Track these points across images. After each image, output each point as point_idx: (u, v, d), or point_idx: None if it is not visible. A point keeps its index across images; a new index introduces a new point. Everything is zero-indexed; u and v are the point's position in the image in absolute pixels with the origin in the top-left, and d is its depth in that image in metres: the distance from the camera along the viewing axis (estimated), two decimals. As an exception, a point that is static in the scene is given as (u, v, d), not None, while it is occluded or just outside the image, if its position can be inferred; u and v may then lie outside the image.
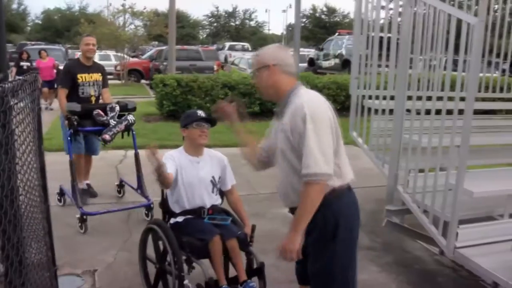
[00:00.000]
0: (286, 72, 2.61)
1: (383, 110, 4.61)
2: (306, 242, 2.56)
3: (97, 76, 5.72)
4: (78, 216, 4.92)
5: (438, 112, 3.79)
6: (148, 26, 24.54)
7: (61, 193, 5.69)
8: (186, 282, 3.17)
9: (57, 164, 5.20)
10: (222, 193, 3.69)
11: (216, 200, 3.60)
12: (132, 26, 24.09)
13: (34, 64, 13.58)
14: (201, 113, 3.48)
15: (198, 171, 3.47)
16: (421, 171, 4.02)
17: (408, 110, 4.25)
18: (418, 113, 4.09)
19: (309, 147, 2.36)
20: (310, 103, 2.46)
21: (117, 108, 5.27)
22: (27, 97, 2.45)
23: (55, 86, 10.75)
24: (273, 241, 3.86)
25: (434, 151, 3.88)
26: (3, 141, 1.87)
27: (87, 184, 6.00)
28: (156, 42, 40.23)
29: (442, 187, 3.72)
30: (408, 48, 4.17)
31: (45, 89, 12.68)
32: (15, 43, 38.62)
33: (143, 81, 22.55)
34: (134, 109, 5.54)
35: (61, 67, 12.62)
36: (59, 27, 62.10)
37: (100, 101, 5.77)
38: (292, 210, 2.60)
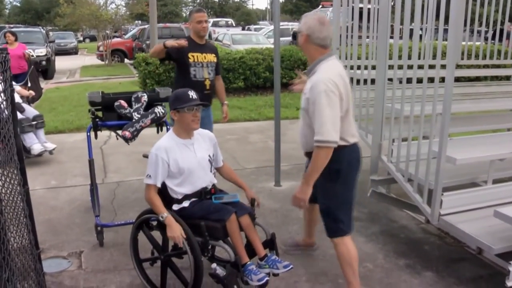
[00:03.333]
0: (317, 43, 3.04)
1: (365, 80, 4.58)
2: (316, 184, 3.07)
3: (211, 57, 4.85)
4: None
5: (419, 81, 3.77)
6: (129, 5, 24.15)
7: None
8: (214, 265, 3.10)
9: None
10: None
11: (213, 178, 3.46)
12: (113, 6, 23.73)
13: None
14: (192, 94, 3.24)
15: (195, 153, 3.31)
16: (404, 140, 4.02)
17: (390, 79, 4.22)
18: (400, 82, 4.07)
19: (322, 118, 2.88)
20: (327, 81, 2.90)
21: (144, 97, 4.39)
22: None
23: (28, 82, 8.19)
24: (259, 214, 3.88)
25: (416, 119, 3.87)
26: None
27: None
28: (139, 21, 39.73)
29: (425, 156, 3.73)
30: (388, 17, 4.12)
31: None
32: (-7, 26, 37.89)
33: (126, 60, 22.31)
34: (167, 99, 4.39)
35: (34, 56, 11.08)
36: (38, 9, 60.87)
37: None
38: (308, 154, 3.21)
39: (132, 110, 4.30)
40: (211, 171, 3.43)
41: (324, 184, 3.14)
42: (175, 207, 3.29)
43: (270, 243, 3.34)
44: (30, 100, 6.97)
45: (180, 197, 3.30)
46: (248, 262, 3.14)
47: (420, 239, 4.36)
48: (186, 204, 3.29)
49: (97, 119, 4.32)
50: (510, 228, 3.26)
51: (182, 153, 3.26)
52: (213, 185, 3.41)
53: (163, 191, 3.31)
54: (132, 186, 5.65)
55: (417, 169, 3.83)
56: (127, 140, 4.20)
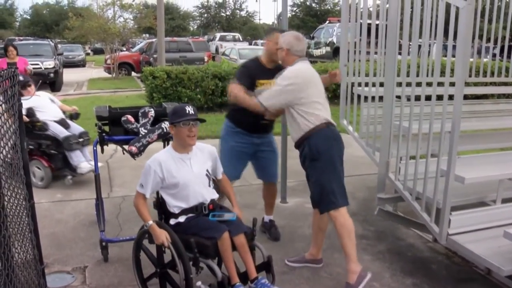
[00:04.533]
0: (295, 55, 3.78)
1: (373, 97, 4.56)
2: (306, 168, 3.73)
3: None
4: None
5: (428, 98, 3.75)
6: (137, 19, 24.34)
7: None
8: (199, 284, 3.07)
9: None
10: (217, 188, 3.58)
11: (213, 194, 3.46)
12: (121, 19, 23.89)
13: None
14: (190, 109, 3.25)
15: (191, 168, 3.34)
16: (412, 158, 3.98)
17: (398, 97, 4.20)
18: (408, 99, 4.05)
19: (272, 89, 3.67)
20: (292, 69, 3.69)
21: (151, 113, 4.37)
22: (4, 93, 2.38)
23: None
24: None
25: (424, 137, 3.84)
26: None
27: None
28: (147, 35, 40.03)
29: (433, 174, 3.69)
30: (396, 34, 4.11)
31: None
32: (3, 38, 38.32)
33: (134, 74, 22.42)
34: None
35: (42, 68, 10.30)
36: (48, 22, 61.53)
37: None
38: (296, 146, 3.78)
39: (139, 125, 4.29)
40: (209, 186, 3.44)
41: (313, 164, 3.64)
42: (172, 221, 3.33)
43: (266, 266, 3.32)
44: (74, 116, 6.62)
45: (176, 211, 3.32)
46: (237, 283, 3.13)
47: (427, 258, 4.30)
48: (181, 219, 3.31)
49: (104, 134, 4.32)
50: (520, 249, 3.21)
51: (178, 167, 3.29)
52: (212, 201, 3.41)
53: (162, 205, 3.41)
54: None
55: (425, 188, 3.79)
56: (133, 155, 4.18)
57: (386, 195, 4.41)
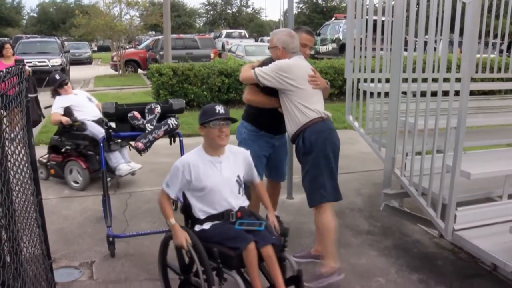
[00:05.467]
0: (291, 52, 3.80)
1: (379, 93, 4.56)
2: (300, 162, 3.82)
3: None
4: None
5: (434, 94, 3.74)
6: (144, 16, 24.38)
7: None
8: None
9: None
10: (248, 195, 3.36)
11: (243, 201, 3.24)
12: (128, 16, 23.94)
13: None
14: (220, 108, 3.06)
15: (221, 172, 3.12)
16: (418, 153, 3.98)
17: (404, 93, 4.20)
18: (414, 95, 4.05)
19: (265, 69, 3.73)
20: (283, 61, 3.73)
21: (158, 109, 4.40)
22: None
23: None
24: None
25: (430, 133, 3.84)
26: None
27: None
28: (153, 32, 40.06)
29: (439, 170, 3.69)
30: (402, 29, 4.11)
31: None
32: (11, 36, 38.50)
33: (140, 71, 22.46)
34: (180, 110, 4.60)
35: (45, 66, 9.84)
36: (54, 20, 61.83)
37: None
38: (292, 139, 3.84)
39: (145, 122, 4.31)
40: (239, 193, 3.22)
41: (306, 158, 3.69)
42: (197, 228, 3.14)
43: (296, 280, 3.06)
44: None
45: (202, 216, 3.13)
46: None
47: (433, 253, 4.30)
48: (206, 226, 3.11)
49: (111, 130, 4.34)
50: (526, 245, 3.21)
51: (207, 170, 3.10)
52: (241, 208, 3.19)
53: (188, 210, 3.21)
54: (144, 196, 5.66)
55: (430, 183, 3.79)
56: (140, 151, 4.20)
57: (392, 190, 4.42)
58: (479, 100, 5.59)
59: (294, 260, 3.15)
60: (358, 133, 5.12)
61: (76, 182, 5.94)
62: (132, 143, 4.29)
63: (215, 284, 2.85)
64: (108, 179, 5.55)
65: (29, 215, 2.79)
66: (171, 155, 5.04)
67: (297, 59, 3.80)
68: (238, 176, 3.22)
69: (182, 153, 4.49)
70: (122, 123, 4.35)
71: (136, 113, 4.31)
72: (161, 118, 4.40)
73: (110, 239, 4.15)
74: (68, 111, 5.85)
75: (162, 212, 3.16)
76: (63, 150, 6.13)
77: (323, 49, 22.61)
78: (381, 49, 4.76)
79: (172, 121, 4.37)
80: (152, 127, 4.26)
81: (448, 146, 3.67)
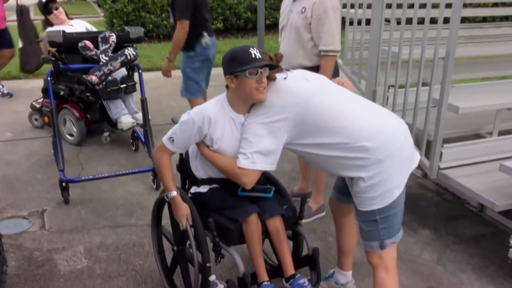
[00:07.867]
0: None
1: (359, 20, 4.56)
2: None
3: None
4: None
5: (421, 22, 3.76)
6: None
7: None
8: (213, 278, 2.58)
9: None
10: None
11: None
12: None
13: None
14: (255, 52, 2.45)
15: (239, 134, 2.60)
16: (402, 86, 4.03)
17: (387, 20, 4.21)
18: (398, 22, 4.06)
19: (331, 30, 3.52)
20: None
21: (113, 38, 4.30)
22: None
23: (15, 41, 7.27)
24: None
25: (416, 64, 3.89)
26: None
27: None
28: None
29: (424, 104, 3.75)
30: None
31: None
32: None
33: (89, -3, 21.82)
34: (138, 39, 4.52)
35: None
36: None
37: None
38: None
39: (99, 52, 4.25)
40: None
41: None
42: (192, 189, 2.87)
43: (310, 260, 2.78)
44: None
45: (201, 175, 2.83)
46: (265, 283, 2.61)
47: (416, 195, 4.46)
48: (204, 189, 2.81)
49: (59, 62, 4.26)
50: (516, 183, 3.32)
51: (225, 129, 2.59)
52: None
53: (185, 168, 2.95)
54: (99, 138, 5.54)
55: (415, 118, 3.86)
56: (93, 85, 4.15)
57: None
58: (471, 29, 5.62)
59: (308, 236, 2.83)
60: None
61: (71, 135, 5.48)
62: (85, 76, 4.22)
63: (210, 261, 2.62)
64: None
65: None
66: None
67: None
68: None
69: (142, 88, 4.49)
70: (72, 54, 4.26)
71: (88, 43, 4.24)
72: (116, 48, 4.32)
73: (63, 184, 4.14)
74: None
75: (160, 177, 2.71)
76: (61, 93, 5.24)
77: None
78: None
79: (129, 51, 4.29)
80: (107, 58, 4.19)
81: (435, 78, 3.73)
